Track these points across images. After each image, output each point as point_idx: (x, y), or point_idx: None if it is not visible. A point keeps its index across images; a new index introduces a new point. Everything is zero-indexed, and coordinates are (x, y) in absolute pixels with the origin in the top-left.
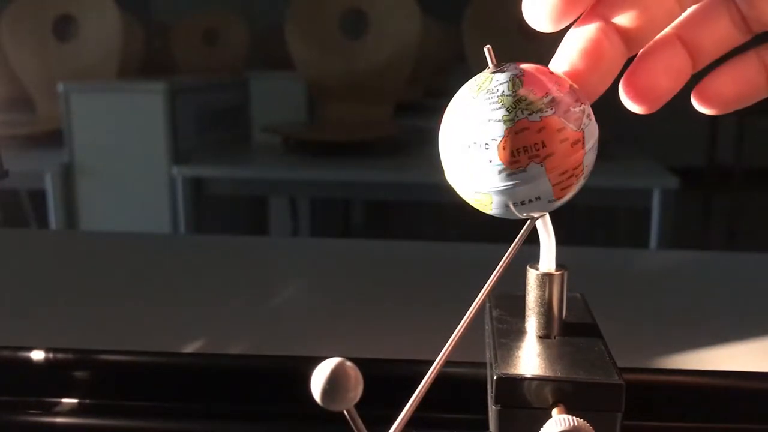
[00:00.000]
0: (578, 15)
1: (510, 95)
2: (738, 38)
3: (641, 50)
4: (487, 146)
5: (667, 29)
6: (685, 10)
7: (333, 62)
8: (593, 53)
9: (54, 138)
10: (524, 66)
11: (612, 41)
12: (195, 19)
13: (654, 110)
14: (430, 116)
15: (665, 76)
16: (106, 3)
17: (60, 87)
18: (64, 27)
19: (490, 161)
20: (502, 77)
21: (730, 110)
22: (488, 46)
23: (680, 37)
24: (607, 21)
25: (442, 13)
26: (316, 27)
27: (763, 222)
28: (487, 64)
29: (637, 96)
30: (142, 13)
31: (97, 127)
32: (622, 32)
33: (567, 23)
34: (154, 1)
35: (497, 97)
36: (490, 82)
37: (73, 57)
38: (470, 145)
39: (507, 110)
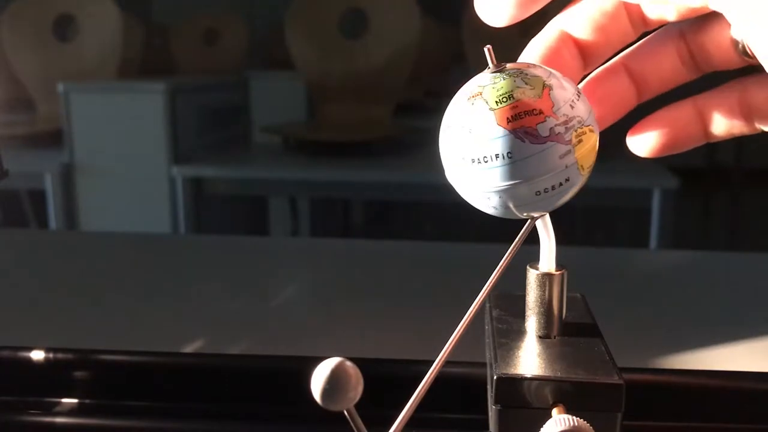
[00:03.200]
0: (531, 12)
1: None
2: (685, 75)
3: (588, 76)
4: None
5: (617, 58)
6: (638, 34)
7: (333, 62)
8: (552, 61)
9: (54, 138)
10: (524, 66)
11: (570, 52)
12: (195, 19)
13: None
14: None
15: (603, 103)
16: (106, 3)
17: (60, 87)
18: (64, 27)
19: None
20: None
21: (664, 155)
22: (488, 46)
23: (627, 66)
24: (566, 33)
25: (442, 13)
26: (316, 27)
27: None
28: (487, 64)
29: None
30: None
31: (97, 127)
32: (579, 45)
33: (518, 20)
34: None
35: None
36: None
37: (73, 57)
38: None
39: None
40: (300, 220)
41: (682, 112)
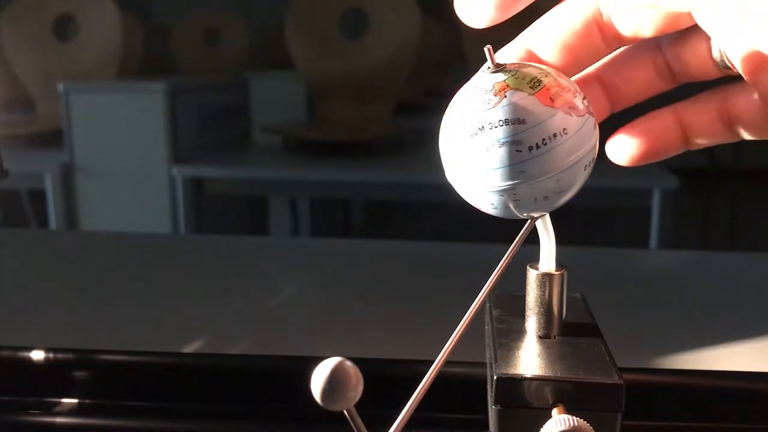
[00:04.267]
0: (512, 14)
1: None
2: (661, 86)
3: None
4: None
5: (590, 69)
6: (612, 50)
7: (333, 62)
8: None
9: (54, 138)
10: (524, 66)
11: None
12: (195, 19)
13: None
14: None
15: None
16: (106, 3)
17: (60, 87)
18: (64, 27)
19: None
20: (492, 80)
21: (642, 163)
22: (488, 46)
23: (600, 78)
24: (531, 52)
25: (442, 13)
26: (316, 27)
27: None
28: (487, 64)
29: None
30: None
31: (97, 127)
32: (545, 64)
33: (498, 22)
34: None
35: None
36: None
37: (73, 57)
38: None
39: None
40: (300, 220)
41: (661, 120)
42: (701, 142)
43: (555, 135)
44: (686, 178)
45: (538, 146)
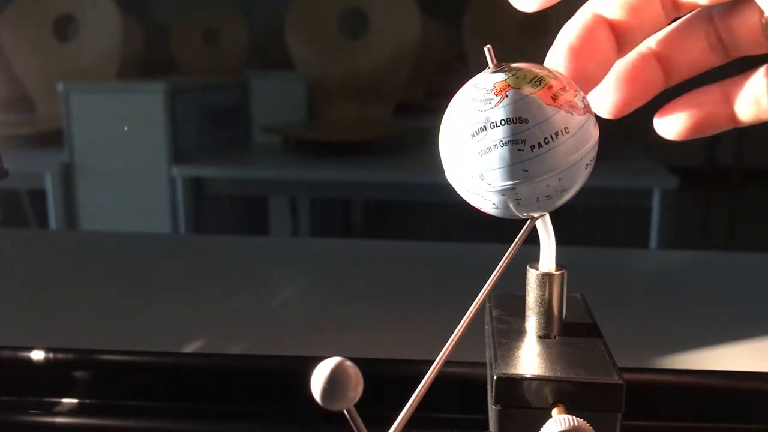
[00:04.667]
0: None
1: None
2: (714, 60)
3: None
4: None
5: (646, 42)
6: (670, 20)
7: (333, 62)
8: (588, 44)
9: (54, 138)
10: (524, 66)
11: (605, 35)
12: (195, 19)
13: (619, 117)
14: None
15: (631, 86)
16: (106, 3)
17: (60, 87)
18: (64, 27)
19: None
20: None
21: (690, 138)
22: (488, 46)
23: (656, 52)
24: (600, 16)
25: (442, 13)
26: (316, 27)
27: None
28: (487, 64)
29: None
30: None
31: (97, 127)
32: (614, 28)
33: (549, 5)
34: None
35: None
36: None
37: (73, 57)
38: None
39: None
40: (300, 220)
41: (709, 95)
42: (747, 119)
43: (557, 134)
44: (686, 178)
45: (540, 145)
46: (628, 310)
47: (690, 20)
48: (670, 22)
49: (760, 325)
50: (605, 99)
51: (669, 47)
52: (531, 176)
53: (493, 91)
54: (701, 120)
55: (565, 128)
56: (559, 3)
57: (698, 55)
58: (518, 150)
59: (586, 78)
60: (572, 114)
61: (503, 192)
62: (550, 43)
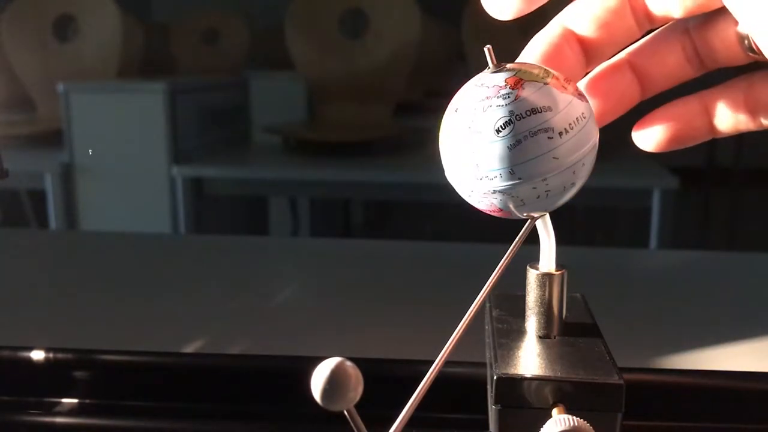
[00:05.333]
0: (537, 5)
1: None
2: (690, 72)
3: (592, 71)
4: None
5: (621, 54)
6: (644, 32)
7: (333, 62)
8: (554, 58)
9: (54, 138)
10: (523, 65)
11: (573, 49)
12: (195, 19)
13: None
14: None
15: (607, 99)
16: (106, 3)
17: (60, 87)
18: (64, 27)
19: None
20: (502, 77)
21: (668, 149)
22: (488, 46)
23: (632, 63)
24: (569, 30)
25: (442, 13)
26: (316, 27)
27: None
28: (487, 64)
29: None
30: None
31: (97, 127)
32: (582, 43)
33: (524, 14)
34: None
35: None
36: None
37: (73, 57)
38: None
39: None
40: (300, 220)
41: (688, 107)
42: (726, 129)
43: (578, 119)
44: (686, 178)
45: (566, 131)
46: (628, 310)
47: (666, 32)
48: (645, 35)
49: (760, 325)
50: None
51: (645, 59)
52: (561, 164)
53: (508, 86)
54: (679, 131)
55: (582, 114)
56: (547, 5)
57: (674, 67)
58: (548, 138)
59: None
60: (582, 101)
61: (503, 192)
62: None
